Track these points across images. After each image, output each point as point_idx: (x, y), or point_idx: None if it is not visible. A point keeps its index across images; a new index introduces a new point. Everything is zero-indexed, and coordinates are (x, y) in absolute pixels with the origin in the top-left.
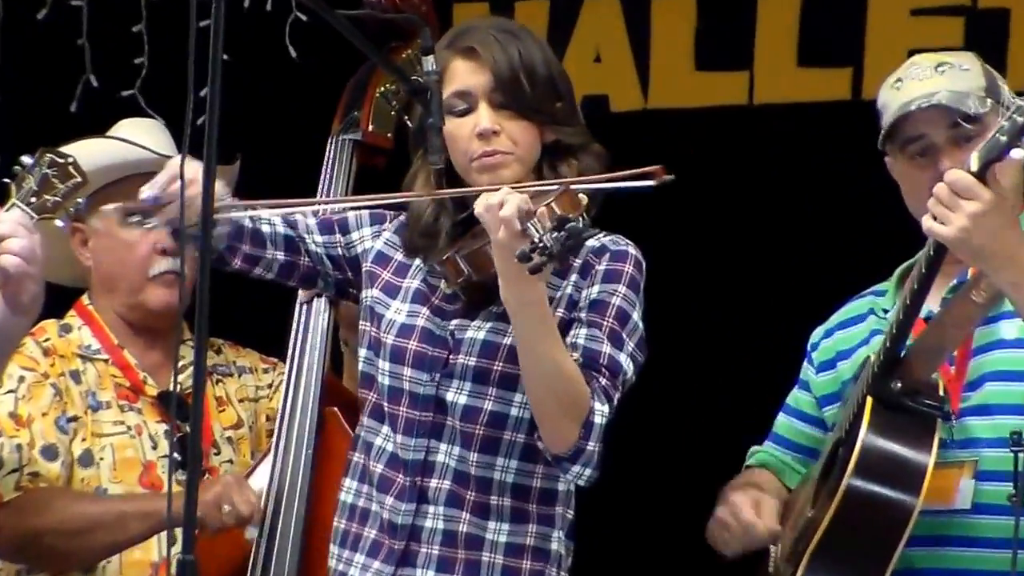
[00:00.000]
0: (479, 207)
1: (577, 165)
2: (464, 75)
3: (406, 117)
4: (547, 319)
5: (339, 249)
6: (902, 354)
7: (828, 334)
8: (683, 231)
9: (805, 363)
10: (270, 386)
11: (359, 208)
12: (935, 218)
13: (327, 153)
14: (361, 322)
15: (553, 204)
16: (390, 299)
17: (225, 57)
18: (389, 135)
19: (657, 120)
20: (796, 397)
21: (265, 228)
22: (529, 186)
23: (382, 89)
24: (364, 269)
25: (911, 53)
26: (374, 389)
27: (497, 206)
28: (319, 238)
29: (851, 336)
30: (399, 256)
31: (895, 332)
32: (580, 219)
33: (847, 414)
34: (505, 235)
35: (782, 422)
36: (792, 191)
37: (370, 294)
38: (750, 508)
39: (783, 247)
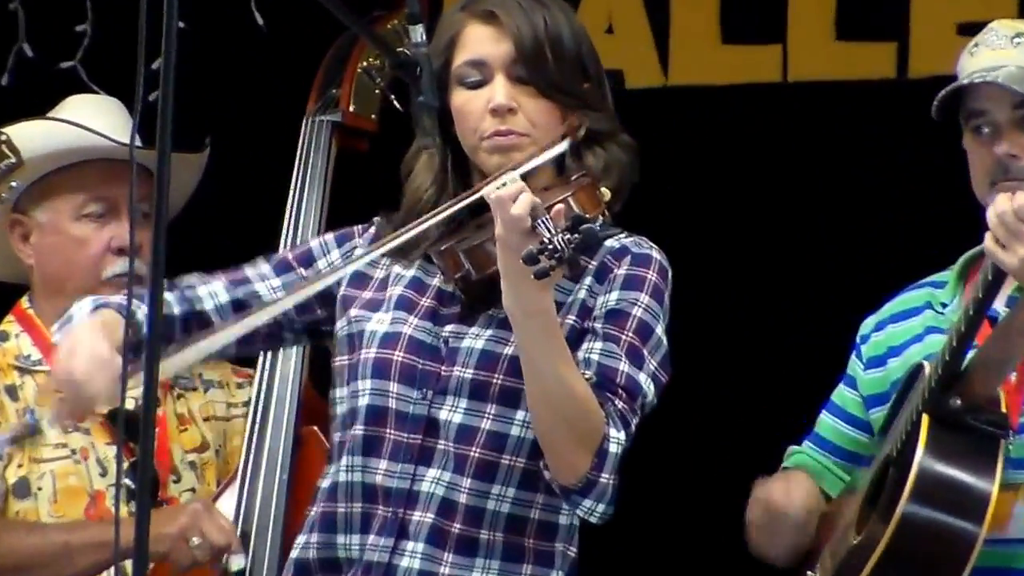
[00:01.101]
0: (491, 192)
1: (605, 156)
2: (480, 42)
3: (392, 96)
4: (554, 332)
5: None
6: (963, 367)
7: (879, 327)
8: (711, 222)
9: (853, 356)
10: (246, 403)
11: (329, 280)
12: (997, 241)
13: (302, 136)
14: (336, 359)
15: (570, 200)
16: (372, 313)
17: (181, 24)
18: (373, 116)
19: (678, 99)
20: (842, 395)
21: (208, 304)
22: (519, 164)
23: (364, 64)
24: (339, 297)
25: (962, 28)
26: (352, 421)
27: (510, 199)
28: (276, 282)
29: (904, 330)
30: (378, 272)
31: (956, 344)
32: (600, 218)
33: (899, 431)
34: (512, 232)
35: (825, 421)
36: (832, 178)
37: (348, 318)
38: (780, 493)
39: (823, 239)
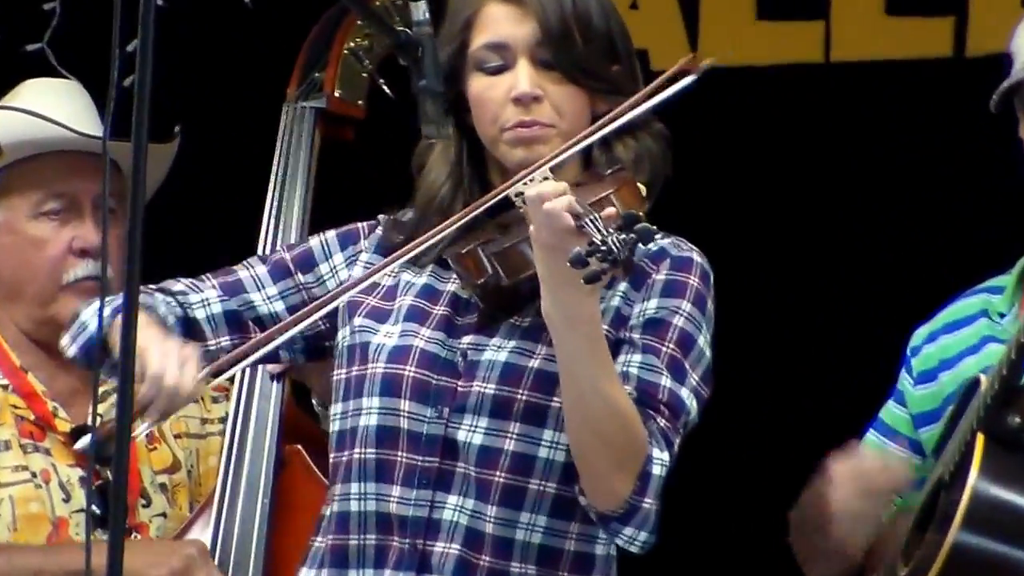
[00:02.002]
0: (530, 191)
1: (636, 147)
2: (501, 23)
3: (381, 80)
4: (599, 342)
5: (303, 293)
6: (1022, 381)
7: (931, 338)
8: (745, 219)
9: (903, 371)
10: (223, 420)
11: (362, 282)
12: None
13: (282, 124)
14: (336, 371)
15: (613, 197)
16: (378, 324)
17: (159, 2)
18: (360, 102)
19: (710, 81)
20: (891, 412)
21: (199, 312)
22: (558, 156)
23: (351, 44)
24: (342, 304)
25: None
26: (354, 443)
27: (552, 195)
28: (272, 289)
29: (957, 341)
30: (386, 280)
31: (1015, 356)
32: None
33: (951, 452)
34: (556, 232)
35: (872, 442)
36: (880, 170)
37: (351, 327)
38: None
39: (871, 234)
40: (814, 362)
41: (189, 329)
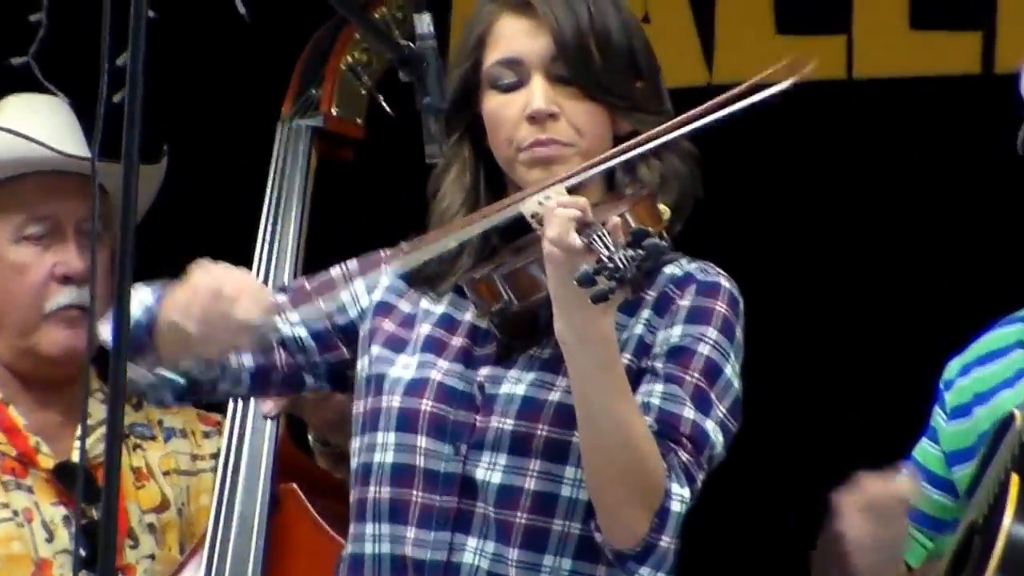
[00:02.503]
0: (535, 204)
1: (661, 168)
2: (515, 38)
3: (380, 97)
4: (614, 366)
5: (326, 321)
6: None
7: (965, 371)
8: (765, 242)
9: (936, 406)
10: (215, 455)
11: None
12: None
13: (276, 143)
14: (355, 404)
15: (628, 214)
16: (395, 354)
17: (151, 14)
18: (359, 120)
19: None
20: (923, 450)
21: None
22: (583, 171)
23: (349, 59)
24: (363, 333)
25: None
26: (369, 480)
27: (558, 210)
28: (294, 316)
29: (992, 374)
30: (404, 305)
31: None
32: (660, 236)
33: (985, 494)
34: (563, 249)
35: None
36: (905, 191)
37: (369, 357)
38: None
39: (897, 258)
40: (845, 392)
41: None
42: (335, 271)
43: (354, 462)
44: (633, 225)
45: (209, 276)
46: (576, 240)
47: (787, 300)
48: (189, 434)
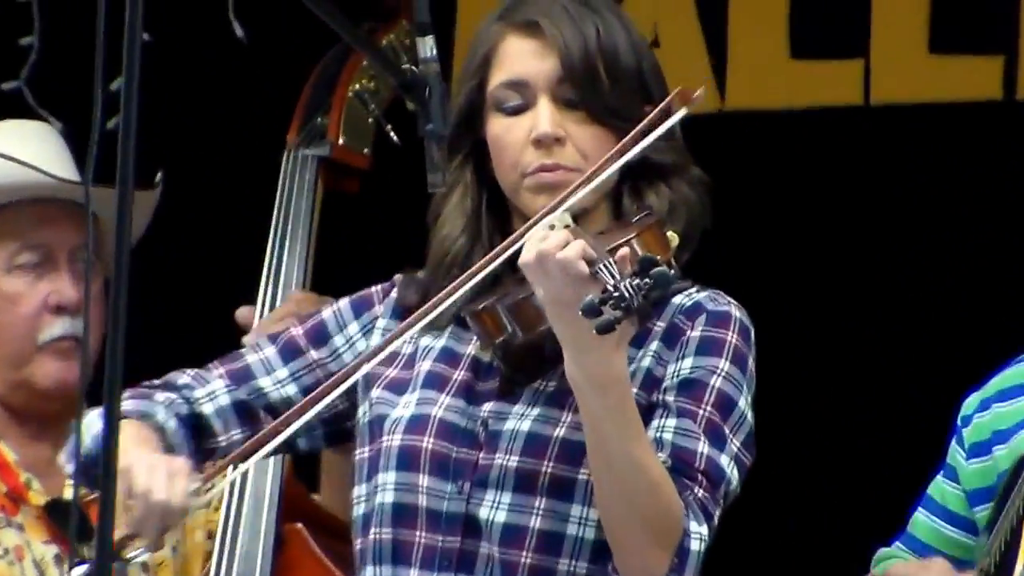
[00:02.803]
0: (528, 249)
1: (670, 195)
2: (520, 59)
3: (388, 127)
4: (629, 407)
5: (317, 371)
6: None
7: (983, 407)
8: (779, 273)
9: (953, 442)
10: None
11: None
12: None
13: (282, 173)
14: (356, 452)
15: (635, 242)
16: (397, 396)
17: (146, 36)
18: (365, 151)
19: (739, 125)
20: (940, 488)
21: (207, 408)
22: (567, 197)
23: (356, 87)
24: (361, 379)
25: None
26: (372, 523)
27: (556, 248)
28: (283, 371)
29: (1012, 411)
30: (405, 347)
31: None
32: (668, 265)
33: (997, 539)
34: (566, 280)
35: (920, 521)
36: (925, 220)
37: (369, 401)
38: None
39: (916, 294)
40: (860, 426)
41: (197, 426)
42: (327, 312)
43: (355, 511)
44: (640, 253)
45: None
46: (582, 269)
47: (802, 330)
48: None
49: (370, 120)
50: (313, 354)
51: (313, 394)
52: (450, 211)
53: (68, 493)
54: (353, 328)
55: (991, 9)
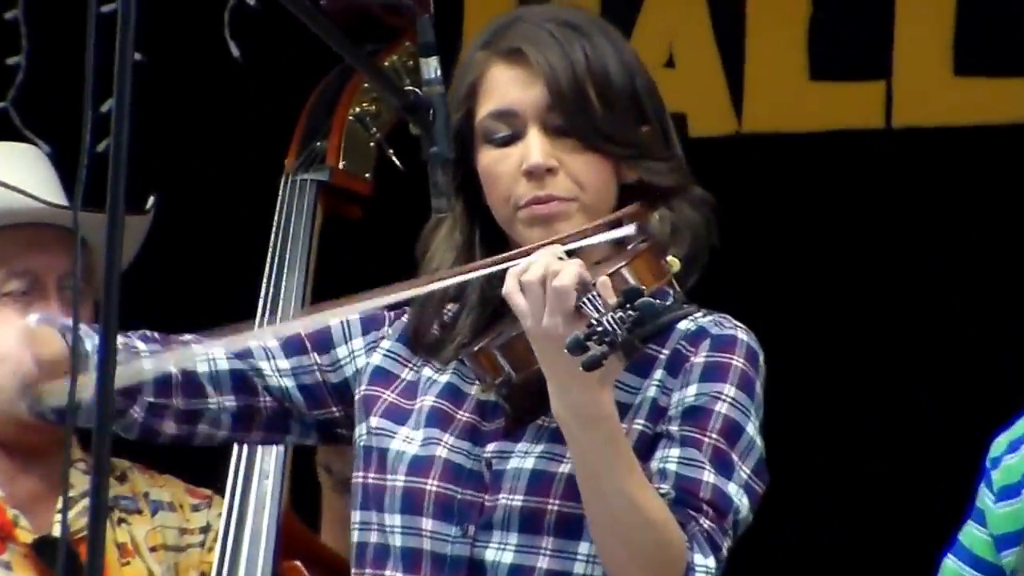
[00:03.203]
0: (509, 282)
1: (672, 217)
2: (507, 87)
3: (390, 151)
4: (619, 442)
5: (317, 374)
6: None
7: (1013, 447)
8: (796, 300)
9: (982, 485)
10: (204, 530)
11: (345, 313)
12: None
13: (279, 199)
14: (355, 474)
15: (624, 271)
16: (396, 425)
17: (138, 56)
18: (367, 175)
19: (756, 149)
20: (970, 534)
21: (202, 367)
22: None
23: (357, 110)
24: (358, 396)
25: None
26: (371, 559)
27: (537, 280)
28: (284, 363)
29: None
30: (406, 374)
31: None
32: (668, 292)
33: None
34: (552, 316)
35: (949, 568)
36: (950, 250)
37: (368, 426)
38: None
39: (941, 327)
40: (878, 462)
41: (187, 383)
42: (334, 322)
43: (356, 536)
44: (628, 282)
45: None
46: (568, 303)
47: (821, 359)
48: (177, 507)
49: (371, 144)
50: (316, 357)
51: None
52: (438, 244)
53: (56, 530)
54: (358, 343)
55: (1019, 30)
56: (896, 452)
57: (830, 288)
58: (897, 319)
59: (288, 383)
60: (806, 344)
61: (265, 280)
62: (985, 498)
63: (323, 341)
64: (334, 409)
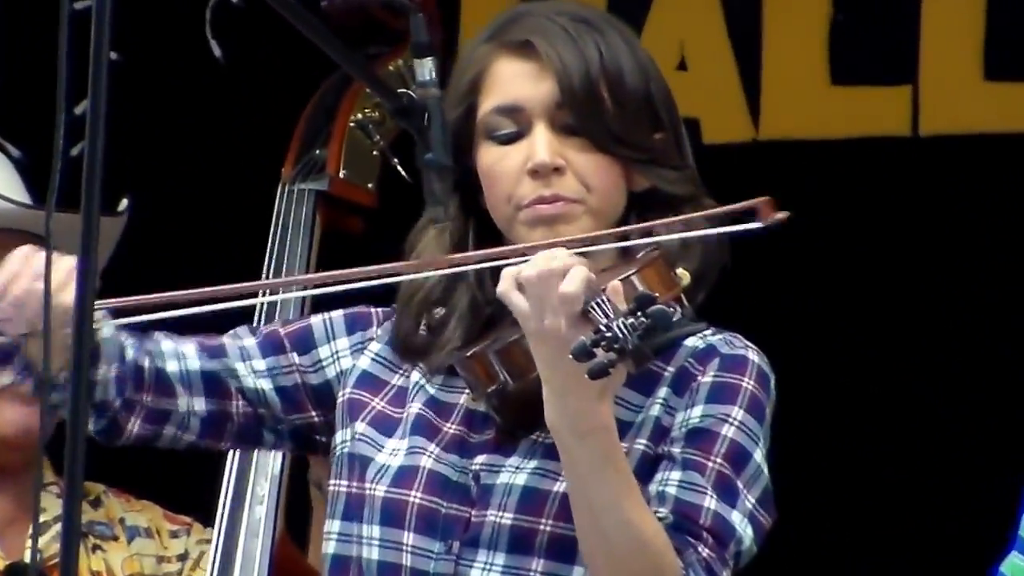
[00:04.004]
0: (504, 282)
1: (681, 227)
2: (514, 82)
3: (395, 160)
4: (616, 457)
5: (296, 375)
6: None
7: None
8: (817, 316)
9: None
10: (182, 557)
11: (315, 292)
12: None
13: (276, 210)
14: (333, 480)
15: (634, 278)
16: (384, 437)
17: (114, 55)
18: (370, 185)
19: (774, 157)
20: (1014, 565)
21: (172, 365)
22: (572, 241)
23: (358, 116)
24: (341, 400)
25: None
26: (347, 574)
27: (538, 278)
28: (260, 364)
29: None
30: (396, 379)
31: None
32: (675, 305)
33: None
34: (555, 316)
35: None
36: (979, 263)
37: (352, 432)
38: None
39: (971, 342)
40: (902, 488)
41: (157, 381)
42: (316, 319)
43: (329, 548)
44: (639, 290)
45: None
46: (576, 306)
47: (841, 378)
48: (154, 533)
49: (375, 152)
50: (295, 357)
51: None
52: (427, 245)
53: (27, 556)
54: (343, 343)
55: None
56: (926, 467)
57: (853, 306)
58: (926, 338)
59: (264, 385)
60: (826, 364)
61: (260, 296)
62: None
63: (303, 340)
64: (313, 413)
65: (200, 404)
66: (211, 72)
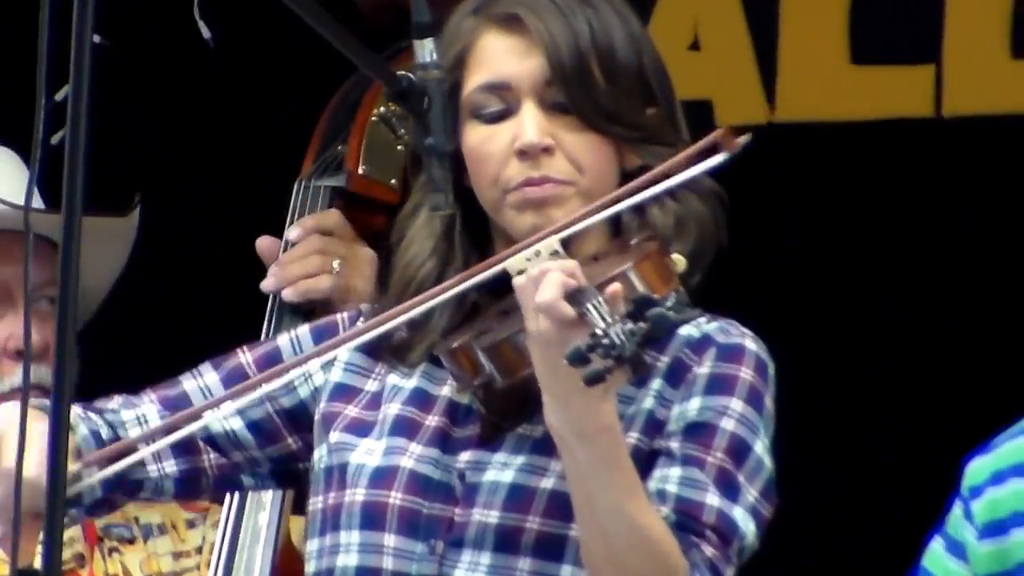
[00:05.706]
0: (517, 270)
1: (677, 209)
2: (501, 58)
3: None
4: (620, 458)
5: (266, 405)
6: None
7: (998, 479)
8: (831, 305)
9: (959, 513)
10: (199, 550)
11: (299, 363)
12: None
13: (290, 207)
14: (311, 500)
15: (631, 274)
16: (358, 438)
17: (96, 39)
18: (393, 181)
19: (791, 139)
20: (943, 565)
21: (135, 432)
22: (568, 225)
23: (382, 109)
24: (317, 416)
25: None
26: None
27: (532, 284)
28: (226, 404)
29: None
30: (369, 385)
31: None
32: (672, 296)
33: None
34: (550, 323)
35: None
36: (1002, 248)
37: (327, 446)
38: None
39: (994, 325)
40: (913, 479)
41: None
42: (283, 339)
43: (310, 567)
44: (638, 289)
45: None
46: (567, 309)
47: (859, 365)
48: (169, 528)
49: (399, 147)
50: (263, 387)
51: (235, 388)
52: (416, 231)
53: (38, 562)
54: (312, 363)
55: None
56: (934, 458)
57: (872, 292)
58: (950, 325)
59: (234, 425)
60: (847, 351)
61: (271, 298)
62: (964, 531)
63: (270, 361)
64: (289, 441)
65: (171, 467)
66: (224, 69)
